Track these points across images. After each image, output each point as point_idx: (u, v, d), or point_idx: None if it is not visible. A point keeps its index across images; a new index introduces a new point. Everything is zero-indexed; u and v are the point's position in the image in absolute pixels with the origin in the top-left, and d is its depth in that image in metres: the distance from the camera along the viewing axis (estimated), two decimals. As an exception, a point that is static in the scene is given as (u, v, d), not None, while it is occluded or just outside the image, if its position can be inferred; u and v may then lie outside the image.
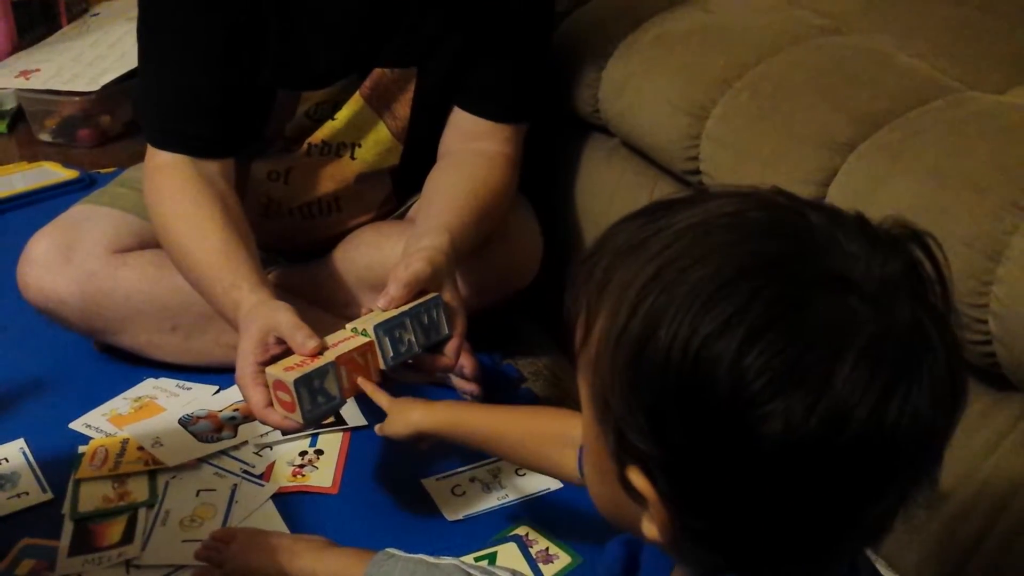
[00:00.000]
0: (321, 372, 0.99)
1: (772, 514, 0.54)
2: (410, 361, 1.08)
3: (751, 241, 0.54)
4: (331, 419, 1.26)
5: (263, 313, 1.06)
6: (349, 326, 1.06)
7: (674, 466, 0.54)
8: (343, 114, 1.30)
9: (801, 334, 0.51)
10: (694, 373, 0.51)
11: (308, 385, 0.99)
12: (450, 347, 1.10)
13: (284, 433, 1.05)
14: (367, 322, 1.05)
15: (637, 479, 0.56)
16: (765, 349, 0.51)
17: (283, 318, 1.04)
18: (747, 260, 0.53)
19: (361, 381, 1.03)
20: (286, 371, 0.99)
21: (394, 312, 1.05)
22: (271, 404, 1.01)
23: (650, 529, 0.58)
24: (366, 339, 1.03)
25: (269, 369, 1.01)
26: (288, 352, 1.03)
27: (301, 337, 1.01)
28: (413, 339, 1.05)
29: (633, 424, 0.54)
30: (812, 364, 0.51)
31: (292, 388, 0.97)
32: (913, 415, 0.52)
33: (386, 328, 1.04)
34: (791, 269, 0.53)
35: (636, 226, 0.57)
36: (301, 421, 1.00)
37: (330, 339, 1.04)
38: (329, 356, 1.01)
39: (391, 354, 1.04)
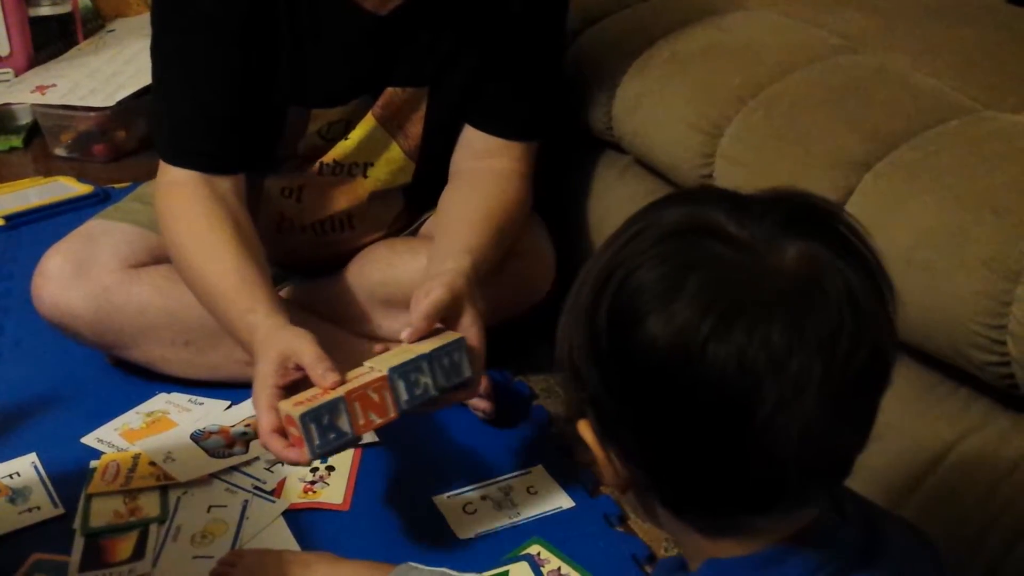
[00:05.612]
0: (330, 407, 0.97)
1: (677, 437, 0.62)
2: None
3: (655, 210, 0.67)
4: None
5: (283, 338, 1.05)
6: (367, 363, 1.02)
7: (596, 401, 0.66)
8: (355, 135, 1.30)
9: (662, 260, 0.62)
10: (593, 314, 0.64)
11: (317, 420, 0.96)
12: (471, 392, 1.09)
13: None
14: (384, 362, 1.01)
15: (584, 431, 0.69)
16: (641, 277, 0.62)
17: (306, 348, 1.01)
18: (646, 219, 0.66)
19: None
20: (296, 406, 0.97)
21: (412, 355, 1.01)
22: (278, 431, 0.99)
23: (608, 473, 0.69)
24: (380, 374, 1.00)
25: (281, 404, 0.99)
26: (306, 377, 1.01)
27: (322, 369, 0.99)
28: (429, 382, 1.02)
29: (574, 374, 0.68)
30: (667, 283, 0.61)
31: (299, 422, 0.95)
32: (764, 343, 0.58)
33: (401, 372, 1.00)
34: (666, 221, 0.64)
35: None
36: (308, 456, 0.96)
37: (350, 375, 1.01)
38: (340, 391, 0.98)
39: (405, 397, 1.01)
